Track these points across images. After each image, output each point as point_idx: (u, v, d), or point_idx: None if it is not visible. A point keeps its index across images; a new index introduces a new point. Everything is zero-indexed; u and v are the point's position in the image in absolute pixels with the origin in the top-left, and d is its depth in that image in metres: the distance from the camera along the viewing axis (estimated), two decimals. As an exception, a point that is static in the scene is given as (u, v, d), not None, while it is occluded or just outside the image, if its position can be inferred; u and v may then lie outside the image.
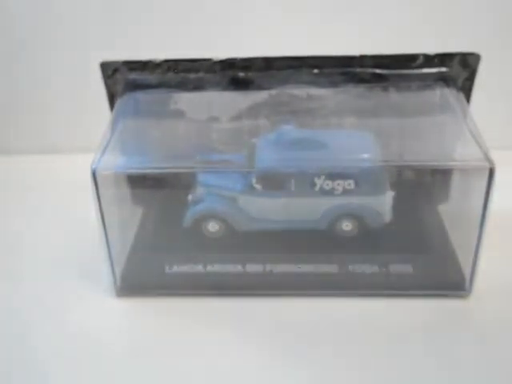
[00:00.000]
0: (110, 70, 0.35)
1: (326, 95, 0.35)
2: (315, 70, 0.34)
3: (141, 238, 0.35)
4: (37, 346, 0.30)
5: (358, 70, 0.34)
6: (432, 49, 0.34)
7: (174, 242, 0.35)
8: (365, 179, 0.32)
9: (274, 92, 0.35)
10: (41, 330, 0.31)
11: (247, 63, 0.34)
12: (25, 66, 0.49)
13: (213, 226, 0.34)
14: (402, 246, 0.34)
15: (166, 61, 0.35)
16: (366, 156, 0.31)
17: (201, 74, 0.35)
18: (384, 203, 0.33)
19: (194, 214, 0.34)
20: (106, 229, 0.31)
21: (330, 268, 0.33)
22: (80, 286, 0.34)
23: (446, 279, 0.32)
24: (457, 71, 0.34)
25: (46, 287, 0.34)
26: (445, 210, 0.36)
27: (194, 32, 0.46)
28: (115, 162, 0.30)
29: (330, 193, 0.32)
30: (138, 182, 0.34)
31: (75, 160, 0.42)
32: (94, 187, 0.29)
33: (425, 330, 0.30)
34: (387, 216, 0.33)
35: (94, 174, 0.29)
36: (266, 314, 0.31)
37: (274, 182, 0.33)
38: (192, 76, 0.35)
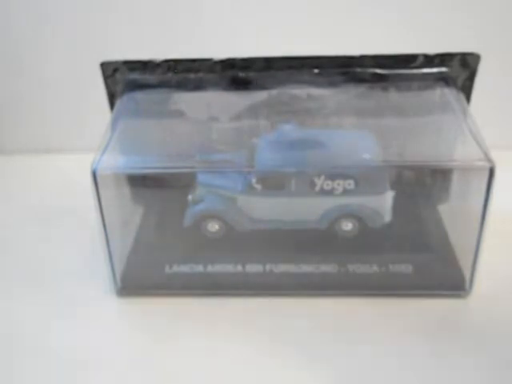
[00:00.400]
0: (109, 70, 0.35)
1: (325, 95, 0.35)
2: (315, 70, 0.34)
3: (141, 237, 0.35)
4: (37, 345, 0.30)
5: (358, 69, 0.34)
6: (432, 49, 0.34)
7: (175, 242, 0.35)
8: (365, 179, 0.32)
9: (274, 92, 0.35)
10: (41, 330, 0.31)
11: (247, 63, 0.34)
12: (24, 66, 0.49)
13: (213, 226, 0.34)
14: (402, 246, 0.34)
15: (166, 61, 0.35)
16: (366, 156, 0.32)
17: (201, 74, 0.35)
18: (384, 203, 0.33)
19: (194, 214, 0.34)
20: (106, 229, 0.31)
21: (330, 268, 0.33)
22: (80, 285, 0.34)
23: (445, 279, 0.32)
24: (457, 71, 0.34)
25: (47, 288, 0.34)
26: (445, 210, 0.36)
27: (193, 32, 0.46)
28: (115, 161, 0.30)
29: (329, 193, 0.32)
30: (138, 182, 0.34)
31: (75, 160, 0.42)
32: (94, 187, 0.29)
33: (424, 330, 0.30)
34: (387, 216, 0.33)
35: (94, 174, 0.29)
36: (266, 314, 0.31)
37: (273, 182, 0.33)
38: (192, 76, 0.35)
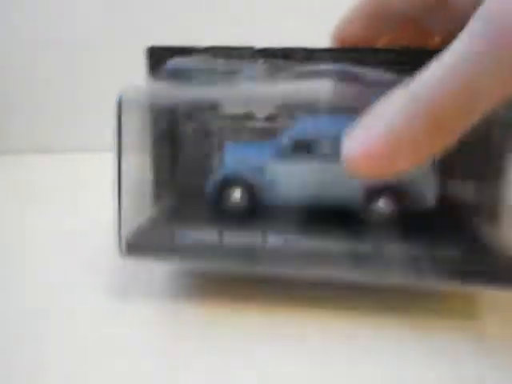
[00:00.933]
0: (155, 56, 0.36)
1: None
2: (357, 63, 0.34)
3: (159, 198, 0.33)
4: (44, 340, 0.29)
5: (405, 63, 0.34)
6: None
7: (193, 208, 0.32)
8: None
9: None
10: (49, 327, 0.28)
11: (288, 52, 0.35)
12: (24, 66, 0.49)
13: (234, 195, 0.31)
14: (447, 230, 0.29)
15: (208, 48, 0.35)
16: None
17: (241, 62, 0.35)
18: (430, 182, 0.30)
19: (216, 182, 0.31)
20: (121, 172, 0.28)
21: (362, 248, 0.28)
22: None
23: (496, 270, 0.27)
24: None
25: (49, 287, 0.31)
26: None
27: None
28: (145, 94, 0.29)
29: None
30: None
31: (75, 160, 0.42)
32: (116, 119, 0.28)
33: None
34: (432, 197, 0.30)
35: (119, 103, 0.28)
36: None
37: (306, 147, 0.30)
38: (232, 64, 0.35)
